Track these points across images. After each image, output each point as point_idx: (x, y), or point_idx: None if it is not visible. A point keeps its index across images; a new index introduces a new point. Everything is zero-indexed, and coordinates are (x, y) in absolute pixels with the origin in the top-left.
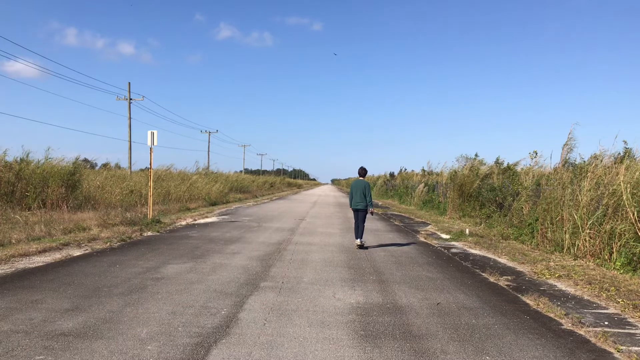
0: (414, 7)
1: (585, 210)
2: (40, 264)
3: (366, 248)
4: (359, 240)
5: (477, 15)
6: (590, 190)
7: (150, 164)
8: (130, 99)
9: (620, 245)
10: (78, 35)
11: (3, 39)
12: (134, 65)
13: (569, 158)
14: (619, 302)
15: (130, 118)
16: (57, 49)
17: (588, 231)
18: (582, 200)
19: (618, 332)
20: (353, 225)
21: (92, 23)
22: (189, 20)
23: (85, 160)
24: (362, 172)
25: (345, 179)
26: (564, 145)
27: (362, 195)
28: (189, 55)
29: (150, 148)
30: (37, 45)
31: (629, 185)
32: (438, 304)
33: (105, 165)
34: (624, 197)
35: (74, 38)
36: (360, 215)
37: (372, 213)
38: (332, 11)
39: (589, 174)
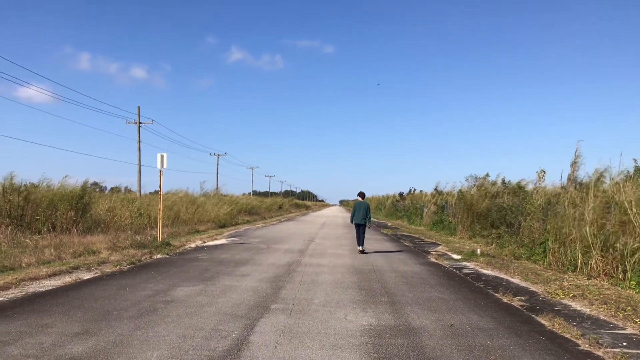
0: (426, 28)
1: (595, 229)
2: (50, 288)
3: (366, 253)
4: (360, 247)
5: (489, 34)
6: (600, 208)
7: (160, 187)
8: (140, 123)
9: (634, 263)
10: (91, 60)
11: (17, 65)
12: (146, 89)
13: (576, 176)
14: (636, 322)
15: (139, 141)
16: (70, 74)
17: (600, 250)
18: (592, 218)
19: (638, 353)
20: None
21: (105, 48)
22: (200, 44)
23: (95, 184)
24: (362, 195)
25: (354, 200)
26: (572, 163)
27: (364, 213)
28: (200, 78)
29: (160, 171)
30: (50, 71)
31: None
32: (452, 325)
33: (114, 189)
34: (632, 216)
35: (87, 63)
36: (361, 229)
37: (369, 227)
38: (343, 33)
39: (597, 192)
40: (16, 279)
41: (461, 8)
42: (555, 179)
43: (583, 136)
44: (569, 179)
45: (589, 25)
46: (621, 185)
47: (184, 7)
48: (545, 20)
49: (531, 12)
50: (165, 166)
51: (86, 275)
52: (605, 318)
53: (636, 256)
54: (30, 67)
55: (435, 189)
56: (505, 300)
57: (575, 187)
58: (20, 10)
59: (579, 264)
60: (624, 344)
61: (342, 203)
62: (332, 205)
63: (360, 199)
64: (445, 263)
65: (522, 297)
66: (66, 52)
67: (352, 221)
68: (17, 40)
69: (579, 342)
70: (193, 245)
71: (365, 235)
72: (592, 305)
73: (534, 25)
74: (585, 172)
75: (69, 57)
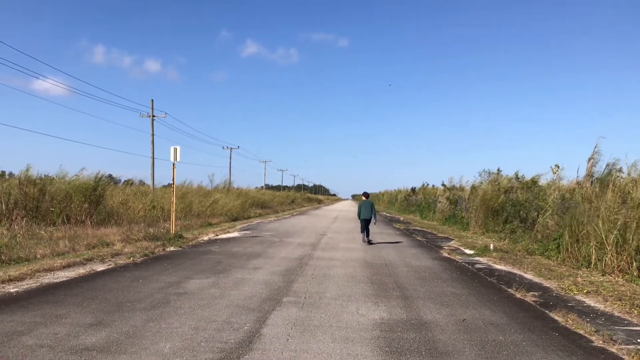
0: (438, 19)
1: (610, 225)
2: (65, 279)
3: (373, 243)
4: (366, 237)
5: (503, 29)
6: (615, 204)
7: (173, 180)
8: (153, 116)
9: None
10: (106, 53)
11: (33, 59)
12: (160, 82)
13: (593, 172)
14: None
15: (153, 134)
16: (85, 67)
17: (614, 246)
18: (607, 214)
19: None
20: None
21: (120, 41)
22: (215, 37)
23: (110, 177)
24: (367, 195)
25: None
26: (589, 158)
27: (370, 210)
28: (215, 72)
29: (173, 164)
30: (65, 64)
31: None
32: (464, 320)
33: (127, 182)
34: None
35: (101, 56)
36: (367, 223)
37: (374, 223)
38: (357, 27)
39: (614, 187)
40: (31, 270)
41: (476, 1)
42: (570, 174)
43: (598, 132)
44: (587, 174)
45: (600, 20)
46: (637, 181)
47: (199, 1)
48: (559, 15)
49: (544, 6)
50: (178, 159)
51: (100, 267)
52: (619, 314)
53: None
54: (45, 60)
55: (446, 185)
56: (518, 295)
57: (592, 183)
58: (37, 3)
59: (593, 260)
60: (639, 340)
61: (355, 197)
62: (345, 199)
63: (364, 198)
64: (457, 258)
65: (535, 293)
66: (81, 45)
67: (359, 217)
68: (34, 33)
69: (593, 338)
70: (206, 238)
71: (377, 229)
72: (607, 301)
73: (544, 22)
74: (602, 168)
75: (84, 50)
